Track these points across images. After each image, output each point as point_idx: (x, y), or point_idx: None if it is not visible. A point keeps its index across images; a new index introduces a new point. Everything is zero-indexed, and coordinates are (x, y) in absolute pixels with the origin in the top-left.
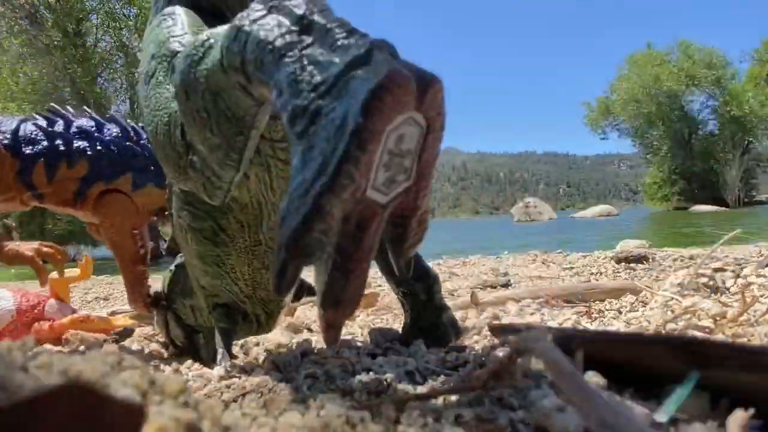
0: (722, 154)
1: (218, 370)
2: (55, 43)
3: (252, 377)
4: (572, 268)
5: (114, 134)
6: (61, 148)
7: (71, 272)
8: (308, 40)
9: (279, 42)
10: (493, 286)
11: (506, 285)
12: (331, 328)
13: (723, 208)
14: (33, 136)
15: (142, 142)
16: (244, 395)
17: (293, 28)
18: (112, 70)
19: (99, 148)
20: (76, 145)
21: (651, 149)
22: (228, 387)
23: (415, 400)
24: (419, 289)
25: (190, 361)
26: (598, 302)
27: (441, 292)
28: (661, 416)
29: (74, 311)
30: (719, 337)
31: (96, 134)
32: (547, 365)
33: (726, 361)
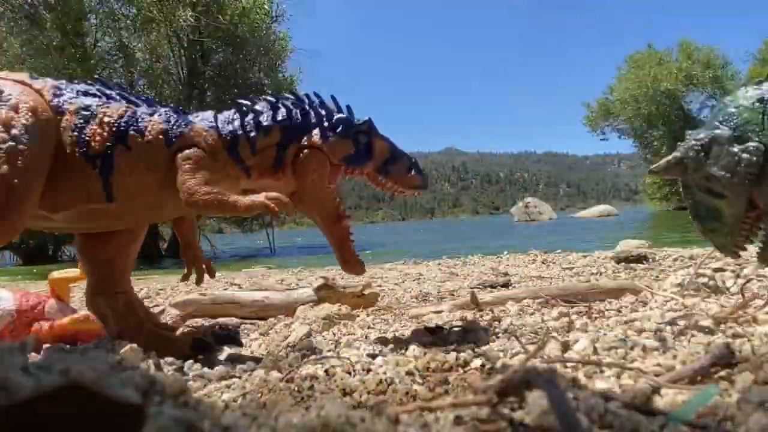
0: None
1: None
2: (54, 43)
3: (252, 377)
4: (572, 268)
5: (291, 102)
6: (255, 122)
7: (71, 272)
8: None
9: None
10: (493, 286)
11: (506, 285)
12: None
13: None
14: (231, 118)
15: (314, 105)
16: (244, 395)
17: None
18: (111, 70)
19: (284, 115)
20: (265, 116)
21: (651, 149)
22: (228, 387)
23: (421, 407)
24: None
25: (191, 361)
26: (598, 302)
27: None
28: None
29: (74, 311)
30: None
31: (278, 105)
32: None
33: None
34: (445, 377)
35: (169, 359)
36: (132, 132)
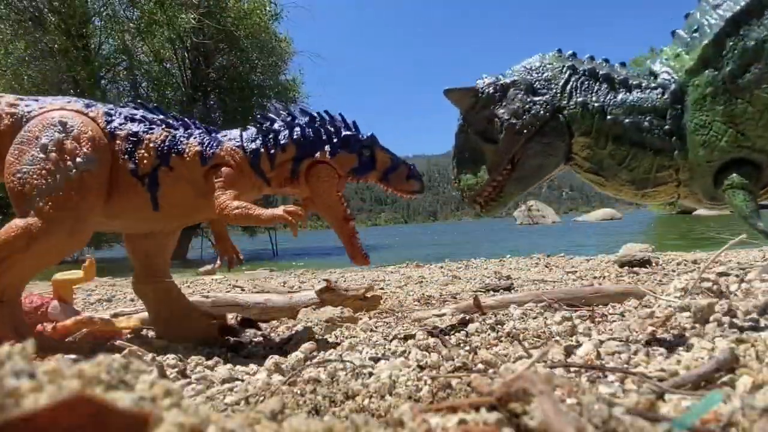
0: None
1: None
2: (58, 45)
3: (255, 380)
4: (575, 271)
5: (306, 121)
6: (275, 140)
7: (74, 274)
8: None
9: None
10: (496, 290)
11: (509, 288)
12: None
13: (727, 212)
14: (254, 137)
15: (325, 123)
16: (247, 398)
17: None
18: (114, 73)
19: (299, 133)
20: (282, 134)
21: None
22: (231, 390)
23: (423, 410)
24: None
25: (193, 364)
26: (601, 306)
27: None
28: (682, 423)
29: (77, 313)
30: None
31: (293, 125)
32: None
33: None
34: (448, 381)
35: (173, 362)
36: (173, 154)
